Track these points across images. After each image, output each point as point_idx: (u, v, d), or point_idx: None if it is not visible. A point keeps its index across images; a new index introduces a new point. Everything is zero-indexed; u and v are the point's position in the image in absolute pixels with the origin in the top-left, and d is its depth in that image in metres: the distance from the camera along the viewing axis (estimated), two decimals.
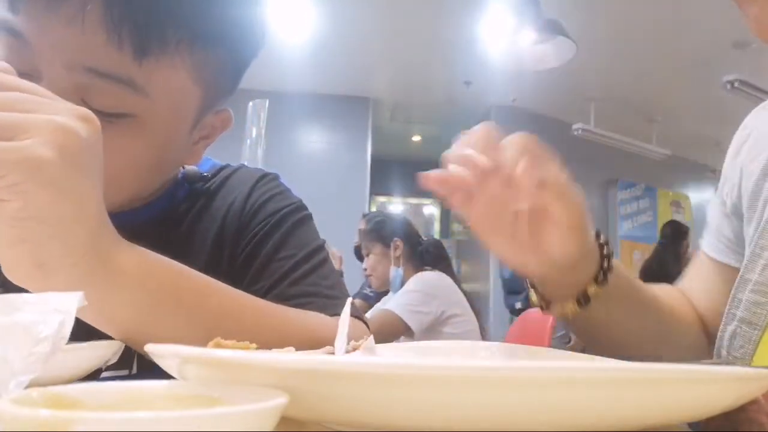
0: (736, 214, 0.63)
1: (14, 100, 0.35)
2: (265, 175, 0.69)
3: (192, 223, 0.64)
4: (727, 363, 0.53)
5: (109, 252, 0.40)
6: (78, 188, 0.36)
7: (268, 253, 0.61)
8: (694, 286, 0.69)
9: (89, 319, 0.40)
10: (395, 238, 2.31)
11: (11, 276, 0.37)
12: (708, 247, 0.68)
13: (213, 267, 0.60)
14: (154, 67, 0.47)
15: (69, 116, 0.36)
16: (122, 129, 0.48)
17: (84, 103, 0.46)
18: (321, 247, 0.65)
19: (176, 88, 0.50)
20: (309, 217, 0.67)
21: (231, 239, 0.63)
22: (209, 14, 0.50)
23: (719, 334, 0.58)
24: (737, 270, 0.59)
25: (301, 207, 0.67)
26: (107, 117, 0.47)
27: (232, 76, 0.57)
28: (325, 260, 0.64)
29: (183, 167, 0.66)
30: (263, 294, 0.57)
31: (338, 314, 0.55)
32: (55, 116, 0.35)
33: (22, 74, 0.46)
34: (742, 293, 0.56)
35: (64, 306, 0.25)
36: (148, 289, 0.42)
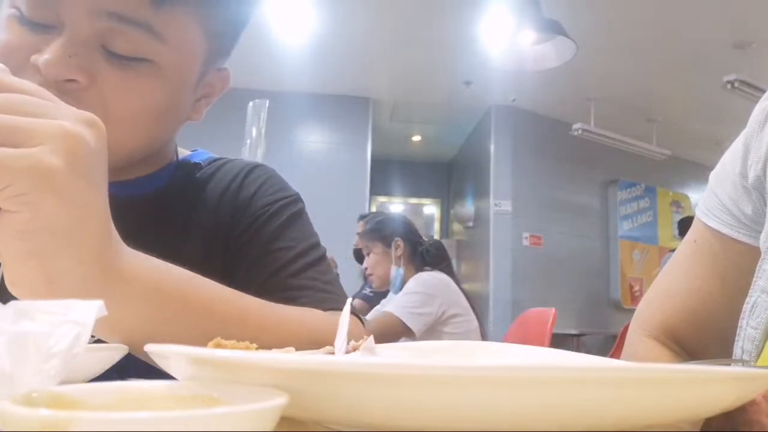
0: (758, 187, 0.59)
1: (20, 102, 0.33)
2: (259, 165, 0.70)
3: (186, 210, 0.64)
4: (732, 363, 0.54)
5: (117, 261, 0.38)
6: (85, 197, 0.34)
7: (266, 242, 0.62)
8: (688, 284, 0.66)
9: (94, 330, 0.40)
10: (397, 238, 2.31)
11: (16, 292, 0.35)
12: (722, 224, 0.62)
13: (209, 254, 0.61)
14: (170, 16, 0.52)
15: (76, 121, 0.35)
16: (141, 73, 0.53)
17: (104, 49, 0.51)
18: (318, 243, 0.66)
19: (188, 38, 0.55)
20: (304, 209, 0.69)
21: (225, 226, 0.63)
22: None
23: (744, 306, 0.57)
24: (752, 248, 0.58)
25: (298, 199, 0.69)
26: (127, 61, 0.52)
27: (232, 35, 0.62)
28: (323, 257, 0.65)
29: (177, 154, 0.69)
30: (261, 284, 0.58)
31: (334, 309, 0.56)
32: (63, 121, 0.34)
33: (45, 26, 0.50)
34: (765, 263, 0.55)
35: (81, 317, 0.23)
36: (156, 297, 0.41)
